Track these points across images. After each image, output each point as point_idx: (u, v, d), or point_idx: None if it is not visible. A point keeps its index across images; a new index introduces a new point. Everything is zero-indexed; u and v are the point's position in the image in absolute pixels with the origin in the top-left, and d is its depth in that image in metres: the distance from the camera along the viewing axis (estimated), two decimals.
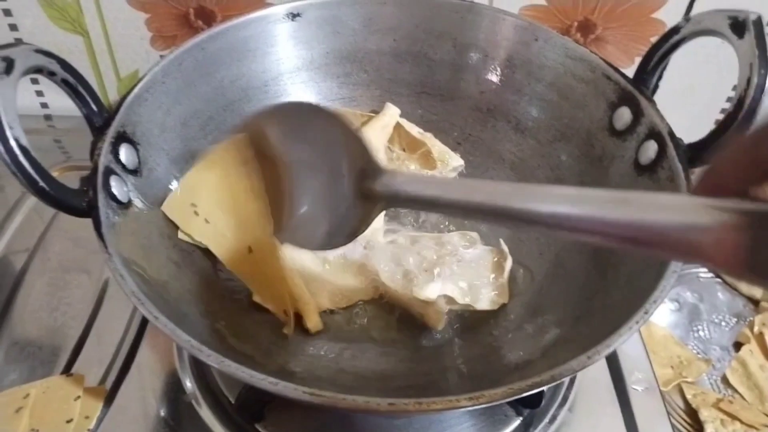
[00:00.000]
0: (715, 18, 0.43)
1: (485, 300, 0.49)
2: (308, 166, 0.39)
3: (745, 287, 0.72)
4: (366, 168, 0.35)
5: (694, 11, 0.62)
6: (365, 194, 0.35)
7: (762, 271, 0.21)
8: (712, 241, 0.22)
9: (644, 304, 0.35)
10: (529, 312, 0.47)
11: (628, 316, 0.35)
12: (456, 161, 0.57)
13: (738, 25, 0.41)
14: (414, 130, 0.58)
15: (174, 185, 0.49)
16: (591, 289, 0.45)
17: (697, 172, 0.22)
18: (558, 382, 0.32)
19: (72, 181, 0.40)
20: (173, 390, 0.50)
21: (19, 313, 0.56)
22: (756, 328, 0.67)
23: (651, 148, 0.45)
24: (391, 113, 0.58)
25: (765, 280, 0.21)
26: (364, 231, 0.37)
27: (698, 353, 0.67)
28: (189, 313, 0.42)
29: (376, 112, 0.59)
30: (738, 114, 0.41)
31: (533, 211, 0.28)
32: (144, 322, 0.54)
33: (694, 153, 0.43)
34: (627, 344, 0.54)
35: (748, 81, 0.40)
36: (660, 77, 0.66)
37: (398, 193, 0.34)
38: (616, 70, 0.49)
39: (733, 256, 0.21)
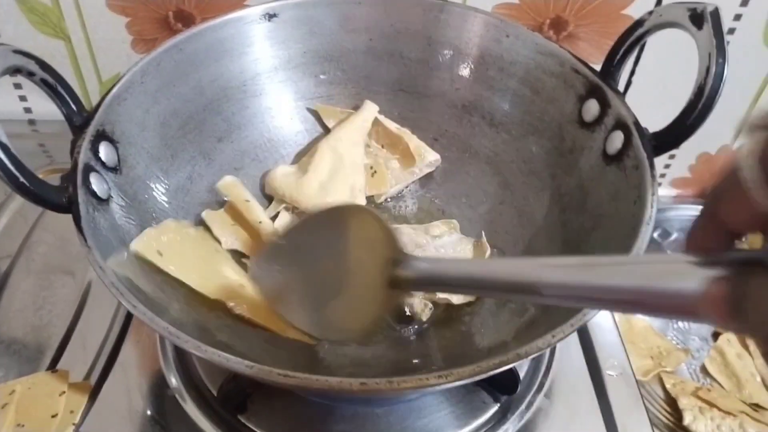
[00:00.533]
0: (676, 10, 0.44)
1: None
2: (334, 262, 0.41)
3: None
4: (395, 257, 0.36)
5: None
6: (392, 282, 0.36)
7: (745, 319, 0.21)
8: (699, 299, 0.23)
9: None
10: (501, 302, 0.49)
11: None
12: (432, 156, 0.58)
13: (697, 17, 0.42)
14: (392, 125, 0.59)
15: (153, 184, 0.50)
16: None
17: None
18: (523, 359, 0.33)
19: (55, 182, 0.41)
20: (158, 385, 0.50)
21: (4, 312, 0.56)
22: None
23: (618, 138, 0.47)
24: (370, 110, 0.59)
25: (749, 329, 0.22)
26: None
27: (677, 343, 0.68)
28: (169, 307, 0.43)
29: (356, 108, 0.60)
30: (699, 102, 0.42)
31: (543, 282, 0.29)
32: (128, 318, 0.55)
33: (659, 141, 0.45)
34: (602, 332, 0.55)
35: (707, 70, 0.42)
36: (633, 72, 0.69)
37: (423, 276, 0.35)
38: (584, 63, 0.51)
39: (719, 309, 0.22)
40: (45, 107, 0.70)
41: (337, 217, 0.41)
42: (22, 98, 0.73)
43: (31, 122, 0.75)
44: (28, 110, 0.74)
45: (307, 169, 0.56)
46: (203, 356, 0.34)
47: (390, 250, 0.37)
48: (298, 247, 0.42)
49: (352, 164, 0.57)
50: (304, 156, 0.59)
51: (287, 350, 0.46)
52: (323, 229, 0.41)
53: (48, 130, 0.74)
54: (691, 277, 0.23)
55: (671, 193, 0.82)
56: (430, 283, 0.36)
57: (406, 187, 0.60)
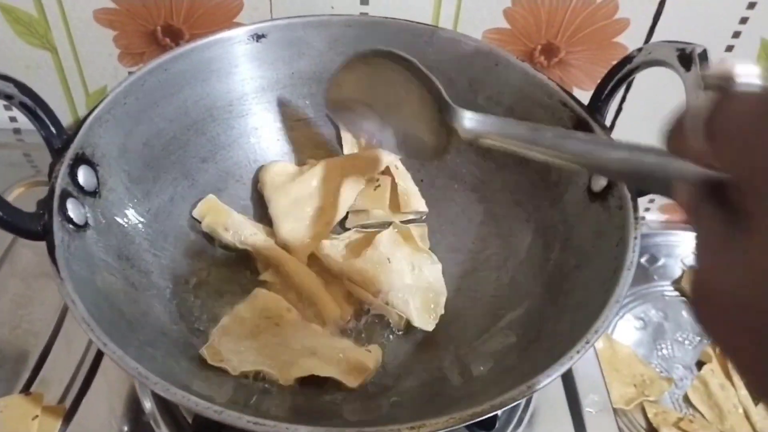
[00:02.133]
0: (665, 49, 0.44)
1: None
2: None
3: None
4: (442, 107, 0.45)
5: (655, 36, 0.63)
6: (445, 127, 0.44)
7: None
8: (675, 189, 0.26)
9: (585, 334, 0.36)
10: (483, 335, 0.48)
11: (572, 344, 0.36)
12: (418, 205, 0.58)
13: (685, 58, 0.42)
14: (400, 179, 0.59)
15: (133, 206, 0.49)
16: (542, 315, 0.45)
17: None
18: (497, 411, 0.33)
19: (39, 197, 0.41)
20: (132, 410, 0.50)
21: None
22: (718, 348, 0.68)
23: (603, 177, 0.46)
24: (388, 158, 0.58)
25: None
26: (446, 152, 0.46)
27: (661, 371, 0.68)
28: (143, 337, 0.42)
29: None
30: None
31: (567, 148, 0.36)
32: None
33: None
34: (583, 366, 0.55)
35: None
36: (623, 100, 0.68)
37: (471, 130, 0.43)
38: (572, 97, 0.50)
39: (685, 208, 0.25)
40: None
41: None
42: (8, 107, 0.72)
43: (17, 131, 0.74)
44: (13, 119, 0.73)
45: (295, 178, 0.56)
46: (172, 399, 0.33)
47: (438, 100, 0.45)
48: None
49: (337, 201, 0.56)
50: (310, 160, 0.59)
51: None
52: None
53: (34, 141, 0.72)
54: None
55: (659, 218, 0.82)
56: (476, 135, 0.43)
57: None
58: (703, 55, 0.42)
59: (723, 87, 0.23)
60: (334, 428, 0.32)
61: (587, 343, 0.35)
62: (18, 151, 0.73)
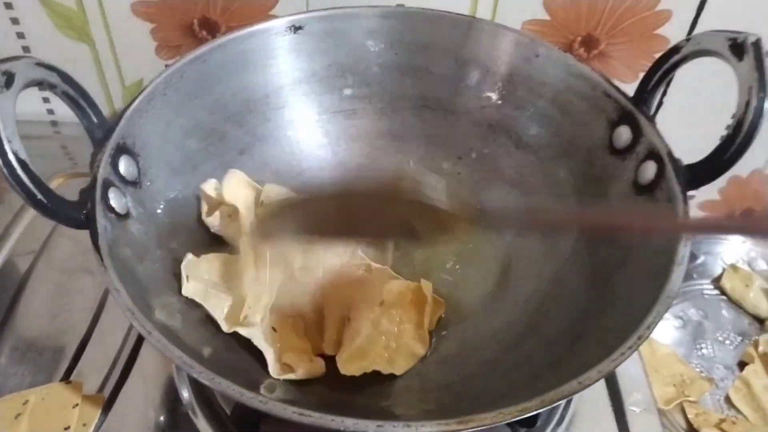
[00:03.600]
0: (715, 39, 0.42)
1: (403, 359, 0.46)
2: None
3: (750, 305, 0.72)
4: None
5: (698, 28, 0.62)
6: None
7: None
8: None
9: (637, 329, 0.35)
10: (527, 331, 0.47)
11: (622, 340, 0.35)
12: None
13: (737, 47, 0.41)
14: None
15: (173, 197, 0.49)
16: (588, 312, 0.44)
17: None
18: (548, 407, 0.32)
19: (77, 188, 0.41)
20: (170, 400, 0.50)
21: (21, 318, 0.56)
22: (761, 348, 0.67)
23: (650, 169, 0.45)
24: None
25: None
26: None
27: (701, 372, 0.66)
28: (183, 326, 0.42)
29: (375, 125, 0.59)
30: (737, 137, 0.41)
31: None
32: None
33: (693, 174, 0.43)
34: (626, 364, 0.53)
35: (747, 104, 0.40)
36: (664, 94, 0.67)
37: None
38: (616, 88, 0.49)
39: None
40: (68, 109, 0.70)
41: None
42: (45, 100, 0.73)
43: (54, 124, 0.75)
44: (51, 112, 0.74)
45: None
46: (217, 388, 0.33)
47: None
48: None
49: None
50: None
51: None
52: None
53: (71, 133, 0.74)
54: None
55: (699, 216, 0.80)
56: None
57: None
58: (757, 44, 0.40)
59: None
60: (379, 420, 0.31)
61: (639, 338, 0.35)
62: (55, 143, 0.74)
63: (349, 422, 0.31)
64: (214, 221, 0.52)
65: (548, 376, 0.35)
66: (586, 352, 0.37)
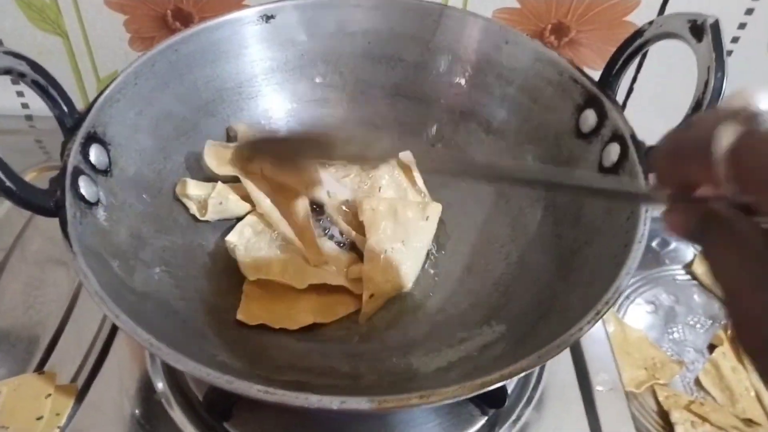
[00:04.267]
0: (676, 21, 0.43)
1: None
2: None
3: None
4: None
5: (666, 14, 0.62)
6: None
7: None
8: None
9: (596, 304, 0.35)
10: (492, 312, 0.48)
11: (582, 316, 0.36)
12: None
13: (697, 29, 0.42)
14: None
15: (144, 186, 0.50)
16: (553, 291, 0.45)
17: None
18: (506, 381, 0.32)
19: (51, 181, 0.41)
20: (144, 389, 0.50)
21: None
22: (730, 331, 0.68)
23: (614, 151, 0.46)
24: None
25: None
26: None
27: (673, 355, 0.67)
28: (155, 311, 0.42)
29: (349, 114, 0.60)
30: None
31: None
32: None
33: None
34: (593, 345, 0.55)
35: (706, 84, 0.41)
36: (634, 80, 0.68)
37: None
38: (583, 73, 0.50)
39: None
40: (42, 104, 0.70)
41: None
42: (20, 94, 0.73)
43: (28, 118, 0.75)
44: (25, 106, 0.74)
45: None
46: (184, 369, 0.34)
47: None
48: None
49: None
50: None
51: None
52: None
53: (45, 127, 0.74)
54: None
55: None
56: None
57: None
58: (715, 26, 0.41)
59: (747, 121, 0.22)
60: (341, 397, 0.32)
61: (597, 314, 0.35)
62: (30, 137, 0.74)
63: (313, 399, 0.32)
64: (213, 215, 0.53)
65: (511, 355, 0.36)
66: (548, 330, 0.38)
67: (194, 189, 0.52)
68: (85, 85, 0.71)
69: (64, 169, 0.42)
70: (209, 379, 0.33)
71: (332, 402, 0.31)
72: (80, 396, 0.49)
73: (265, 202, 0.53)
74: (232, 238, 0.52)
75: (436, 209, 0.53)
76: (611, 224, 0.43)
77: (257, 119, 0.58)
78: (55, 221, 0.41)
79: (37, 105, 0.73)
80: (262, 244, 0.52)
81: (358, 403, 0.31)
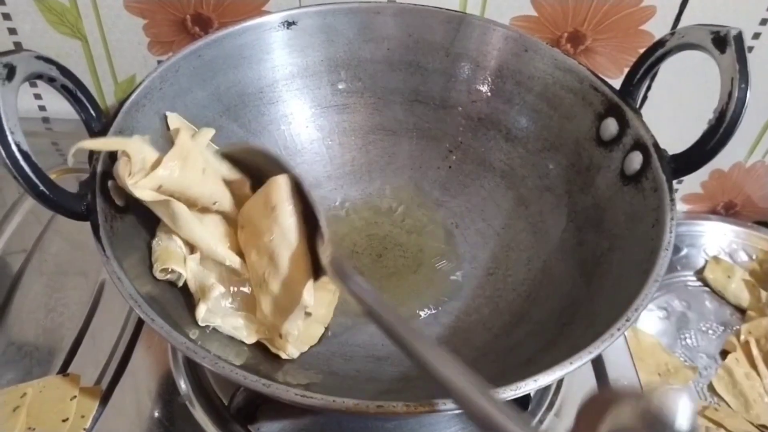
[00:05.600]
0: (699, 33, 0.44)
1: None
2: None
3: (732, 296, 0.74)
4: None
5: (682, 23, 0.63)
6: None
7: None
8: None
9: (626, 312, 0.36)
10: (515, 318, 0.48)
11: (610, 323, 0.36)
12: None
13: (720, 40, 0.42)
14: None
15: None
16: (576, 298, 0.46)
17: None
18: (538, 387, 0.33)
19: (69, 183, 0.41)
20: (168, 391, 0.50)
21: (16, 314, 0.56)
22: (742, 337, 0.69)
23: (636, 159, 0.47)
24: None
25: None
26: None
27: (685, 361, 0.68)
28: (184, 316, 0.43)
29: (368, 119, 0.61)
30: (720, 127, 0.42)
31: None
32: (140, 324, 0.55)
33: (678, 164, 0.45)
34: (612, 351, 0.55)
35: (729, 95, 0.41)
36: (648, 88, 0.68)
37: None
38: (603, 81, 0.51)
39: None
40: (59, 106, 0.70)
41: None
42: (37, 96, 0.73)
43: (45, 120, 0.75)
44: (42, 108, 0.74)
45: None
46: (221, 373, 0.34)
47: None
48: None
49: None
50: None
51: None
52: None
53: (62, 129, 0.74)
54: None
55: (682, 209, 0.82)
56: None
57: None
58: (739, 38, 0.42)
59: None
60: (378, 401, 0.32)
61: (627, 321, 0.36)
62: (46, 139, 0.74)
63: (350, 403, 0.32)
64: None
65: (539, 360, 0.37)
66: (576, 336, 0.39)
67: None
68: (102, 88, 0.71)
69: (93, 174, 0.42)
70: (246, 383, 0.34)
71: (369, 406, 0.32)
72: (105, 398, 0.50)
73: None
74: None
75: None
76: (635, 231, 0.44)
77: (278, 125, 0.59)
78: (75, 225, 0.41)
79: (54, 107, 0.74)
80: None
81: (395, 407, 0.32)
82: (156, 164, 0.43)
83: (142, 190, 0.41)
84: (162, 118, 0.50)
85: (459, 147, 0.60)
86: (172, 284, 0.45)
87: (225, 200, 0.47)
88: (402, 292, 0.53)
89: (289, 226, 0.43)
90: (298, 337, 0.44)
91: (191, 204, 0.45)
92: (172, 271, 0.44)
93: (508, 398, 0.33)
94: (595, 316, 0.41)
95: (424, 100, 0.60)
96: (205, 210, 0.47)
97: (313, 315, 0.49)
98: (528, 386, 0.33)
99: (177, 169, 0.43)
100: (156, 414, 0.49)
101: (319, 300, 0.50)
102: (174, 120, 0.51)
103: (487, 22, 0.57)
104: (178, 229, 0.44)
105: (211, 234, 0.46)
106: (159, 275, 0.43)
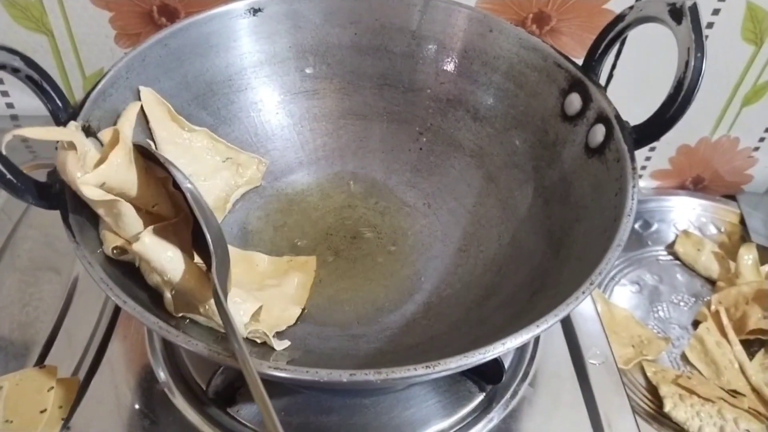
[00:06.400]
0: (656, 5, 0.45)
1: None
2: None
3: (702, 268, 0.75)
4: None
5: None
6: None
7: None
8: None
9: (590, 275, 0.37)
10: (487, 291, 0.49)
11: (576, 289, 0.37)
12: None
13: (676, 12, 0.43)
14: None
15: None
16: (545, 269, 0.47)
17: None
18: (507, 350, 0.34)
19: (40, 178, 0.41)
20: (146, 379, 0.50)
21: None
22: (713, 307, 0.70)
23: (599, 132, 0.48)
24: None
25: None
26: None
27: (658, 332, 0.69)
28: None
29: (337, 104, 0.61)
30: (678, 96, 0.43)
31: None
32: (115, 315, 0.55)
33: (639, 134, 0.46)
34: (584, 322, 0.57)
35: (686, 64, 0.42)
36: (614, 66, 0.70)
37: None
38: (566, 57, 0.52)
39: None
40: (28, 103, 0.70)
41: None
42: (4, 93, 0.72)
43: (14, 117, 0.75)
44: (10, 105, 0.74)
45: None
46: (194, 350, 0.34)
47: None
48: None
49: None
50: None
51: None
52: None
53: (31, 126, 0.73)
54: None
55: (652, 185, 0.83)
56: None
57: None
58: (693, 9, 0.43)
59: None
60: (350, 370, 0.33)
61: (591, 284, 0.37)
62: None
63: (323, 373, 0.33)
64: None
65: (509, 329, 0.37)
66: (544, 305, 0.39)
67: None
68: (71, 83, 0.71)
69: None
70: (220, 359, 0.34)
71: (342, 375, 0.32)
72: (82, 388, 0.50)
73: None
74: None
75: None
76: (600, 201, 0.45)
77: (248, 112, 0.59)
78: (49, 218, 0.41)
79: (23, 104, 0.74)
80: None
81: (367, 375, 0.32)
82: (100, 161, 0.42)
83: (89, 187, 0.40)
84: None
85: (429, 129, 0.60)
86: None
87: (164, 203, 0.46)
88: (377, 272, 0.53)
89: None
90: (277, 319, 0.45)
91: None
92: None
93: (479, 362, 0.34)
94: (562, 284, 0.42)
95: (393, 84, 0.61)
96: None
97: (291, 296, 0.50)
98: (497, 349, 0.34)
99: (123, 166, 0.42)
100: (135, 402, 0.49)
101: (296, 281, 0.51)
102: (147, 94, 0.51)
103: (451, 4, 0.57)
104: (121, 230, 0.42)
105: None
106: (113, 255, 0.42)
